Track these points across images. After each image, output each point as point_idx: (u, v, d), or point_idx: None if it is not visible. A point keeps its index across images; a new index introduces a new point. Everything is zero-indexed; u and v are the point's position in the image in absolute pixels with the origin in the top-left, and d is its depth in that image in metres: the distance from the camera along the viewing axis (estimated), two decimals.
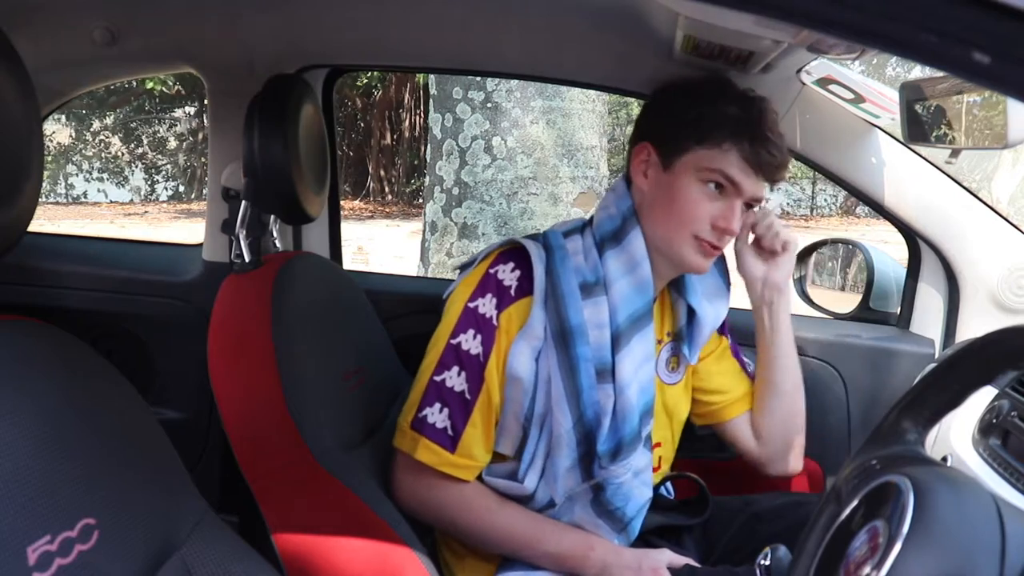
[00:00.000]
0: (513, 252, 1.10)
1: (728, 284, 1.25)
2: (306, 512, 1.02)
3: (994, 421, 1.07)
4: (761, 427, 1.25)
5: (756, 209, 1.14)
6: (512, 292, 1.07)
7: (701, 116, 1.05)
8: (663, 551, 1.10)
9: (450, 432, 1.05)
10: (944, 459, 1.08)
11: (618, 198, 1.13)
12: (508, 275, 1.07)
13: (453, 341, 1.06)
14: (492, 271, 1.08)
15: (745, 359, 1.31)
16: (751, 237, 1.18)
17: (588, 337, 1.06)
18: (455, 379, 1.05)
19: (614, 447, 1.08)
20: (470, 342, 1.05)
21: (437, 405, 1.05)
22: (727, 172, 1.04)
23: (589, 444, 1.07)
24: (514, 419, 1.08)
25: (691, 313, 1.19)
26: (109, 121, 11.34)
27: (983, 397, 1.12)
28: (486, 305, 1.06)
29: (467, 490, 1.09)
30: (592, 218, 1.16)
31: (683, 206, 1.06)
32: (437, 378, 1.06)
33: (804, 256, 1.66)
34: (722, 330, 1.28)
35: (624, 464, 1.09)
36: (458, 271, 1.17)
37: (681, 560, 1.09)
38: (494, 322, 1.05)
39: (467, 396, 1.05)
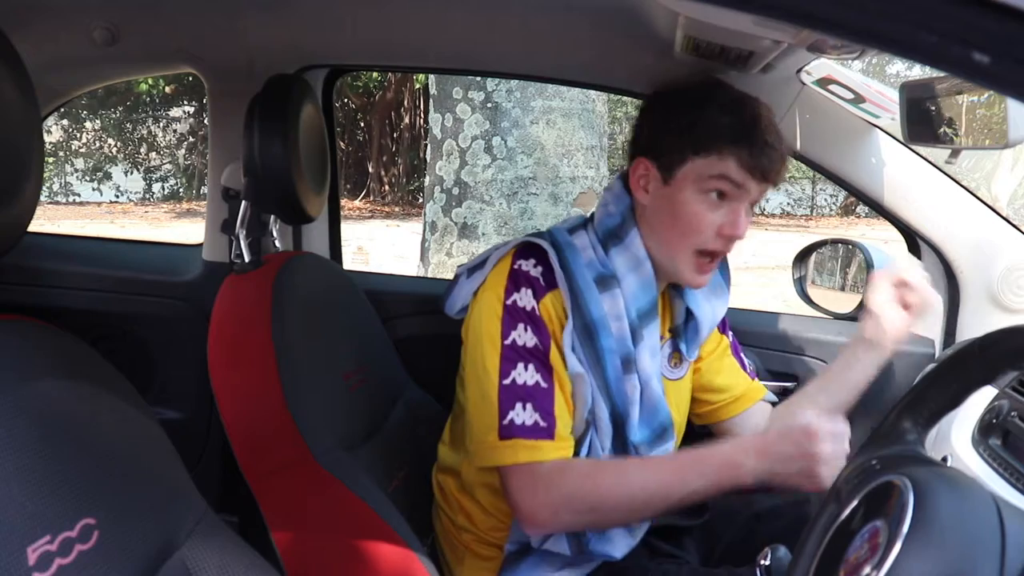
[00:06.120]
0: (528, 248, 1.09)
1: (728, 283, 1.24)
2: (306, 512, 1.02)
3: (994, 421, 1.07)
4: None
5: (911, 267, 1.15)
6: (542, 282, 1.05)
7: (693, 124, 1.02)
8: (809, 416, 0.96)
9: (542, 423, 1.01)
10: (944, 459, 1.08)
11: (616, 197, 1.12)
12: (532, 269, 1.06)
13: (507, 342, 1.03)
14: (516, 266, 1.06)
15: (745, 358, 1.31)
16: (892, 291, 1.16)
17: (611, 329, 1.06)
18: (524, 374, 1.03)
19: (651, 435, 1.10)
20: (524, 336, 1.03)
21: (518, 405, 1.02)
22: (730, 177, 1.02)
23: (622, 436, 1.09)
24: (580, 419, 1.07)
25: (689, 312, 1.19)
26: (104, 121, 11.28)
27: (983, 397, 1.12)
28: (524, 298, 1.04)
29: (583, 461, 1.06)
30: (592, 215, 1.16)
31: (688, 219, 1.04)
32: (506, 381, 1.02)
33: (804, 256, 1.66)
34: (723, 328, 1.28)
35: (664, 450, 1.12)
36: (464, 274, 1.14)
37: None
38: (537, 312, 1.04)
39: (542, 384, 1.03)
